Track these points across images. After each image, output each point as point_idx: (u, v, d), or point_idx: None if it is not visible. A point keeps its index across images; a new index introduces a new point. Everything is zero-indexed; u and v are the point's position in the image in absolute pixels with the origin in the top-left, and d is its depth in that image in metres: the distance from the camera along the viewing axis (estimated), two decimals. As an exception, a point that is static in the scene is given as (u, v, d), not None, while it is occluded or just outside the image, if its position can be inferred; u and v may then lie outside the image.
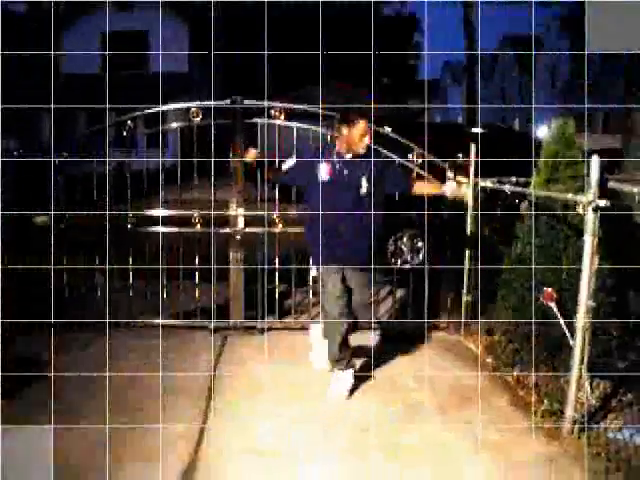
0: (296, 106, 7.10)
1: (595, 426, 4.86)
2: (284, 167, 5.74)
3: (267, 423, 5.01)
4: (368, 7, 36.27)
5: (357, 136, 5.43)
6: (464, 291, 7.01)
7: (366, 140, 5.45)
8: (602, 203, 4.50)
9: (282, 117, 6.87)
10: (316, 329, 6.06)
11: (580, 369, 4.74)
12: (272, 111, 6.86)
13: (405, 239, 9.19)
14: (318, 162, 5.52)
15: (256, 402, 5.37)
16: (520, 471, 4.41)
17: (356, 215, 5.45)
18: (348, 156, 5.53)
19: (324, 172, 5.50)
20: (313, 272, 6.34)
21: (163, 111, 7.21)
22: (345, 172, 5.51)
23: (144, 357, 6.23)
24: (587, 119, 34.77)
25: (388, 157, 6.85)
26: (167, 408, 5.15)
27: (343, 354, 5.56)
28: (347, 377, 5.57)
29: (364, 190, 5.47)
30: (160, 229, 7.08)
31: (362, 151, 5.50)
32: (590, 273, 4.63)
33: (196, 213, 6.91)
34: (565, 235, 5.69)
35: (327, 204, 5.43)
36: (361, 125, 5.42)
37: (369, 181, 5.49)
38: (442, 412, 5.27)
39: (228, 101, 6.88)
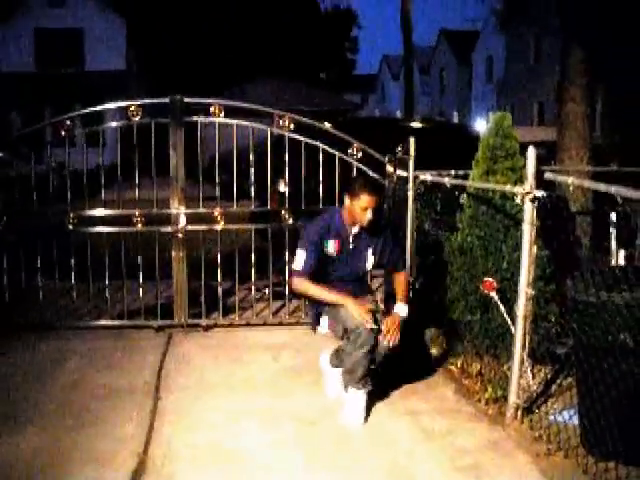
0: (237, 104, 7.12)
1: (537, 411, 4.99)
2: (298, 267, 5.26)
3: (216, 419, 5.01)
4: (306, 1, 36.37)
5: (360, 209, 5.17)
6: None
7: (369, 214, 5.17)
8: (539, 194, 4.60)
9: (222, 114, 6.86)
10: (325, 359, 5.59)
11: (521, 356, 4.85)
12: (212, 108, 6.85)
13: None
14: (327, 239, 5.31)
15: (204, 399, 5.37)
16: (466, 456, 4.50)
17: (361, 286, 5.51)
18: (354, 230, 5.34)
19: (332, 248, 5.32)
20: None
21: (102, 110, 7.15)
22: (351, 246, 5.38)
23: (88, 358, 6.18)
24: (523, 112, 35.36)
25: (330, 153, 6.93)
26: (115, 409, 5.12)
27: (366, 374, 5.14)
28: (363, 397, 5.12)
29: (369, 265, 5.44)
30: (102, 229, 7.02)
31: (365, 224, 5.25)
32: (529, 262, 4.74)
33: (137, 212, 6.87)
34: (505, 225, 5.80)
35: (334, 276, 5.35)
36: (364, 199, 5.14)
37: (374, 254, 5.41)
38: (390, 401, 5.34)
39: (167, 99, 6.85)
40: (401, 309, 5.23)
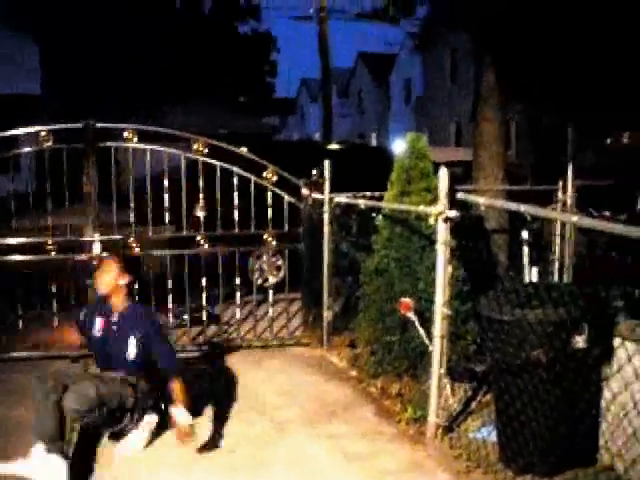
0: (151, 128, 7.05)
1: (457, 428, 5.03)
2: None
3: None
4: (224, 25, 36.38)
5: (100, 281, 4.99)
6: (325, 306, 7.09)
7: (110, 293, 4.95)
8: (452, 214, 4.66)
9: (135, 139, 6.78)
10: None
11: (440, 375, 4.89)
12: (125, 133, 6.76)
13: (265, 257, 9.20)
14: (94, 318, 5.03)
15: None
16: (388, 477, 4.49)
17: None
18: (115, 313, 5.03)
19: (98, 326, 5.01)
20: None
21: (14, 135, 6.97)
22: (114, 328, 5.00)
23: (2, 391, 5.99)
24: (439, 133, 35.95)
25: (245, 177, 6.91)
26: (25, 444, 4.96)
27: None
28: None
29: (131, 355, 4.91)
30: (14, 257, 6.83)
31: (121, 307, 5.00)
32: (444, 281, 4.78)
33: (50, 240, 6.72)
34: (421, 246, 5.85)
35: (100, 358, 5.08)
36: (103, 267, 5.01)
37: (138, 345, 4.92)
38: (310, 425, 5.31)
39: (81, 124, 6.74)
40: (180, 414, 4.72)
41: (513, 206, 4.09)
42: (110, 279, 4.94)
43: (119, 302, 5.00)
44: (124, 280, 4.96)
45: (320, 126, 32.39)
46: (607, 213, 8.32)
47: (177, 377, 4.85)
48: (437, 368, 4.88)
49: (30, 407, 5.29)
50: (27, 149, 7.27)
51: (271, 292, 7.42)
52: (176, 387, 4.79)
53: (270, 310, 7.48)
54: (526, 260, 6.57)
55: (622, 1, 16.15)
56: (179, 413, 4.70)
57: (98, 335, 4.99)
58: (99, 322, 5.00)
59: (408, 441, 5.00)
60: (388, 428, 5.25)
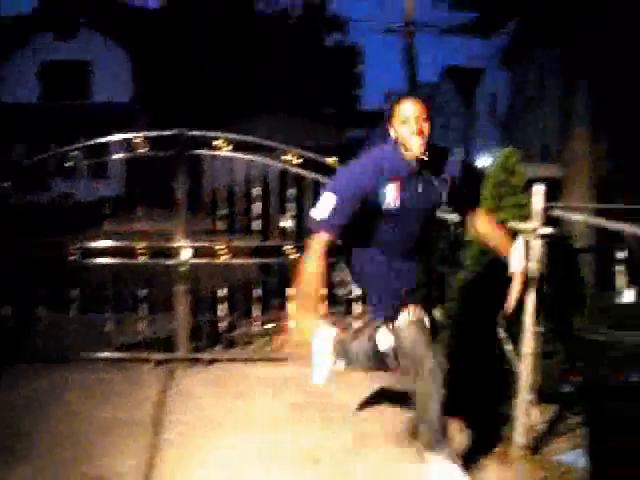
0: (242, 137, 7.12)
1: (543, 450, 4.92)
2: (318, 215, 3.85)
3: (219, 457, 4.93)
4: (309, 37, 36.66)
5: (402, 128, 3.80)
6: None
7: (413, 128, 3.73)
8: (546, 231, 4.57)
9: (227, 148, 6.86)
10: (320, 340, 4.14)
11: (527, 394, 4.79)
12: (216, 142, 6.86)
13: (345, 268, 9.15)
14: (377, 183, 3.77)
15: (206, 435, 5.29)
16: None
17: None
18: (412, 162, 3.84)
19: (390, 196, 3.80)
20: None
21: (107, 142, 7.14)
22: (419, 189, 3.87)
23: (88, 391, 6.11)
24: (525, 149, 35.46)
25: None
26: (114, 443, 5.05)
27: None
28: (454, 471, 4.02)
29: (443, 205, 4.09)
30: (104, 260, 6.99)
31: (416, 148, 3.75)
32: (535, 300, 4.70)
33: (140, 244, 6.85)
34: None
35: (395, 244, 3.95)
36: (400, 108, 3.80)
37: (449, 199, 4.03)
38: (394, 440, 5.25)
39: (174, 132, 6.86)
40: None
41: (613, 225, 3.99)
42: None
43: None
44: None
45: (404, 139, 32.25)
46: None
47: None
48: (525, 386, 4.79)
49: (117, 406, 5.44)
50: (121, 155, 7.42)
51: (354, 304, 7.39)
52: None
53: (353, 322, 7.46)
54: (622, 280, 6.41)
55: None
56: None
57: None
58: None
59: (494, 460, 4.91)
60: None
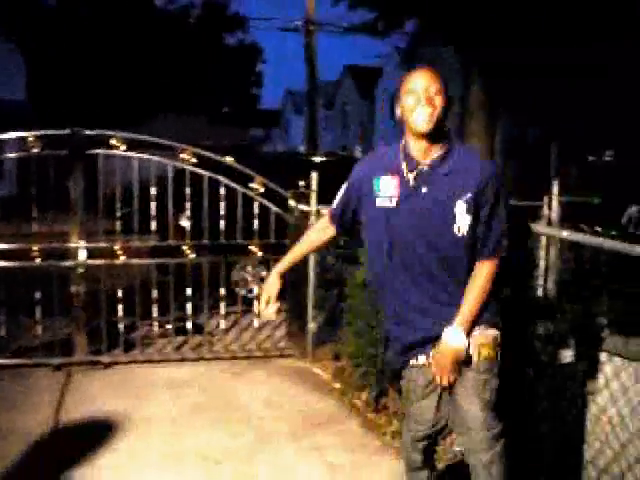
0: (139, 136, 7.04)
1: (442, 443, 5.02)
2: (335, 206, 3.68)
3: (117, 460, 4.86)
4: (210, 35, 36.42)
5: (406, 104, 3.20)
6: (309, 318, 7.10)
7: (418, 105, 3.15)
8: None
9: (123, 148, 6.77)
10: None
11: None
12: (112, 141, 6.76)
13: (249, 268, 9.16)
14: (375, 178, 3.34)
15: (105, 438, 5.21)
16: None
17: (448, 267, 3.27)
18: (425, 162, 3.25)
19: (386, 190, 3.32)
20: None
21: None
22: (424, 190, 3.23)
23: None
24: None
25: (232, 187, 6.91)
26: (11, 451, 4.93)
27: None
28: None
29: (463, 226, 3.19)
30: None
31: (420, 126, 3.17)
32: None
33: (35, 246, 6.69)
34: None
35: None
36: (405, 83, 3.21)
37: (470, 209, 3.18)
38: (294, 437, 5.30)
39: (68, 131, 6.73)
40: (451, 335, 3.20)
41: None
42: None
43: None
44: None
45: (304, 138, 32.45)
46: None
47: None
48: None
49: (14, 412, 5.31)
50: (14, 154, 7.23)
51: (256, 303, 7.40)
52: (485, 279, 3.24)
53: (255, 321, 7.49)
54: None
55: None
56: (453, 333, 3.20)
57: None
58: None
59: (393, 454, 4.99)
60: (373, 441, 5.24)
